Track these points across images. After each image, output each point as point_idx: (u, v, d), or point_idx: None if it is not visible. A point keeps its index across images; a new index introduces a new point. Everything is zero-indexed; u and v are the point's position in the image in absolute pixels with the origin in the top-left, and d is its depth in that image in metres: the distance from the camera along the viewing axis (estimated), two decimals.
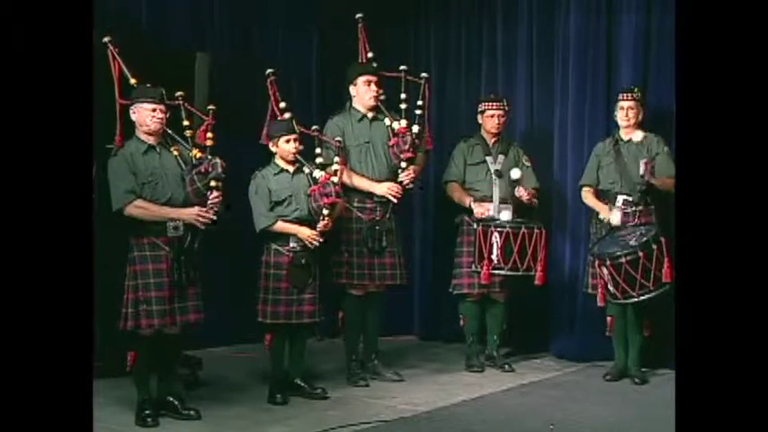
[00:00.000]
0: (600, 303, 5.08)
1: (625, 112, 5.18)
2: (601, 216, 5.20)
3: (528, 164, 5.56)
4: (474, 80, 6.48)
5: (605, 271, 4.87)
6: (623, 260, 4.78)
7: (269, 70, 4.79)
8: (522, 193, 5.28)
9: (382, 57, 5.26)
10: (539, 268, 5.18)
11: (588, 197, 5.34)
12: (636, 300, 4.86)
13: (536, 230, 5.18)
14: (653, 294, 4.80)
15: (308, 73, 6.64)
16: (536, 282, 5.21)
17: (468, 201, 5.41)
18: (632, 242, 4.87)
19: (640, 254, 4.76)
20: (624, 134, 5.24)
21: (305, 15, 6.61)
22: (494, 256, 5.14)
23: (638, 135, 5.14)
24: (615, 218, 5.09)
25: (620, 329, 5.16)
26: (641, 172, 4.96)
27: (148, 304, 4.06)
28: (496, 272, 5.17)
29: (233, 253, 5.58)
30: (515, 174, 5.27)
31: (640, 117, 5.21)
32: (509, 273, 5.18)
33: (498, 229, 5.14)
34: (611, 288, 4.89)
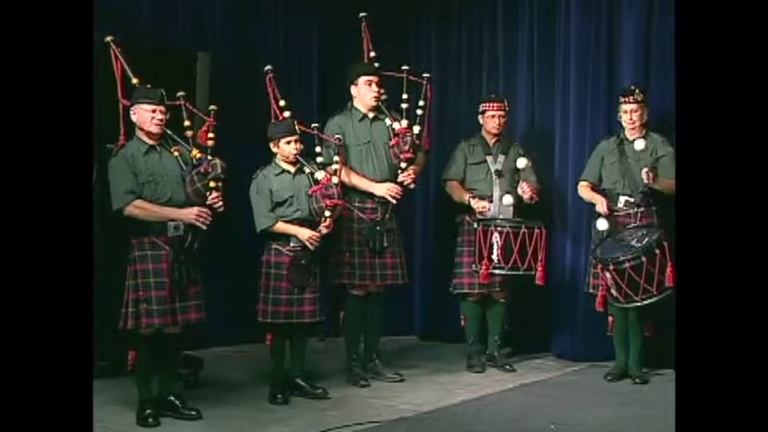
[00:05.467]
0: (599, 308, 5.08)
1: (629, 115, 5.12)
2: (597, 208, 5.15)
3: (529, 163, 5.55)
4: (475, 80, 6.48)
5: (608, 275, 4.85)
6: (627, 265, 4.75)
7: (267, 66, 4.79)
8: (524, 190, 5.28)
9: (383, 56, 5.26)
10: (539, 268, 5.17)
11: (584, 191, 5.32)
12: (639, 304, 4.83)
13: (536, 230, 5.18)
14: (656, 299, 4.77)
15: (308, 73, 6.63)
16: (537, 281, 5.20)
17: (467, 197, 5.40)
18: (634, 243, 4.85)
19: (644, 259, 4.72)
20: (629, 135, 5.21)
21: (305, 15, 6.61)
22: (494, 256, 5.13)
23: (639, 144, 5.04)
24: (602, 225, 5.08)
25: (620, 330, 5.15)
26: (644, 180, 4.94)
27: (149, 303, 4.06)
28: (497, 272, 5.17)
29: (233, 253, 5.57)
30: (521, 163, 5.28)
31: (645, 118, 5.16)
32: (509, 272, 5.18)
33: (498, 229, 5.14)
34: (613, 292, 4.86)
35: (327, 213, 4.55)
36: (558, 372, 5.47)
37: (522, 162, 5.30)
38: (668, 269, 4.73)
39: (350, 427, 4.06)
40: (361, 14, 5.24)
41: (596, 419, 4.24)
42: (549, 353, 5.89)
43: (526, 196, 5.29)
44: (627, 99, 5.14)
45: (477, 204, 5.33)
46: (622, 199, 5.14)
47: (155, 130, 4.16)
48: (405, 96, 5.09)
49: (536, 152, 5.70)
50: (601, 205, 5.13)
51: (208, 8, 6.05)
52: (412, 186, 5.17)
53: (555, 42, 5.97)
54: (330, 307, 5.04)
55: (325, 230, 4.59)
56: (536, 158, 5.60)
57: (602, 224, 5.08)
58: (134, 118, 4.18)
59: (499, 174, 5.40)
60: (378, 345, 5.26)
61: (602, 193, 5.22)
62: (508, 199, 5.28)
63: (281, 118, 4.71)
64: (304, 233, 4.56)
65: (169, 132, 4.22)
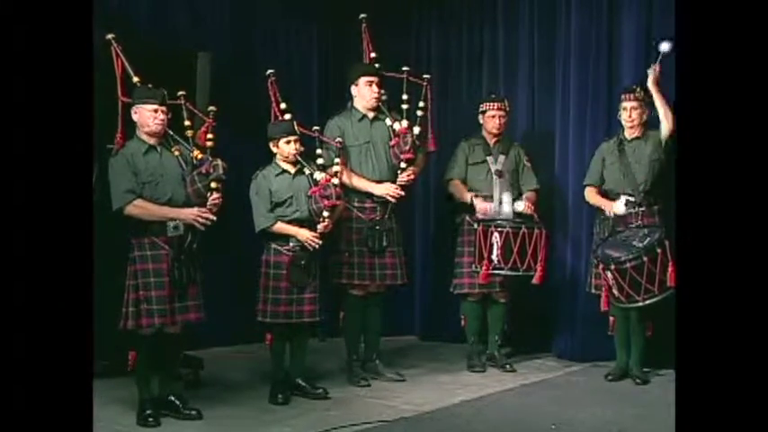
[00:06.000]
0: (604, 308, 5.07)
1: (629, 113, 5.12)
2: (606, 212, 5.15)
3: (528, 164, 5.56)
4: (475, 80, 6.49)
5: (609, 275, 4.84)
6: (628, 265, 4.73)
7: (269, 71, 4.80)
8: (525, 209, 5.29)
9: (383, 57, 5.26)
10: (539, 268, 5.16)
11: (592, 196, 5.31)
12: (641, 304, 4.82)
13: (536, 230, 5.18)
14: (658, 299, 4.75)
15: (308, 73, 6.63)
16: (534, 281, 5.20)
17: (469, 197, 5.40)
18: (635, 243, 4.83)
19: (645, 259, 4.72)
20: (629, 134, 5.21)
21: (306, 15, 6.61)
22: (494, 257, 5.13)
23: (620, 207, 5.10)
24: (619, 207, 5.07)
25: (621, 329, 5.15)
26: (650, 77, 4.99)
27: (149, 303, 4.06)
28: (496, 272, 5.17)
29: (233, 253, 5.58)
30: (519, 206, 5.28)
31: (645, 117, 5.16)
32: (509, 273, 5.17)
33: (498, 229, 5.14)
34: (615, 292, 4.85)
35: (326, 214, 4.55)
36: (558, 372, 5.47)
37: (520, 206, 5.29)
38: (670, 268, 4.72)
39: (350, 428, 4.06)
40: (362, 15, 5.24)
41: (597, 419, 4.24)
42: (549, 353, 5.90)
43: (528, 211, 5.29)
44: (628, 97, 5.14)
45: (479, 205, 5.32)
46: (623, 199, 5.13)
47: (156, 129, 4.16)
48: (405, 97, 5.10)
49: (536, 153, 5.71)
50: (607, 209, 5.14)
51: (208, 8, 6.05)
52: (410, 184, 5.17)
53: (555, 42, 5.98)
54: (330, 307, 5.04)
55: (323, 231, 4.59)
56: (533, 159, 5.61)
57: (619, 207, 5.09)
58: (135, 118, 4.17)
59: (499, 174, 5.40)
60: (378, 345, 5.26)
61: (608, 196, 5.23)
62: (507, 211, 5.28)
63: (281, 119, 4.72)
64: (303, 233, 4.57)
65: (170, 132, 4.23)
